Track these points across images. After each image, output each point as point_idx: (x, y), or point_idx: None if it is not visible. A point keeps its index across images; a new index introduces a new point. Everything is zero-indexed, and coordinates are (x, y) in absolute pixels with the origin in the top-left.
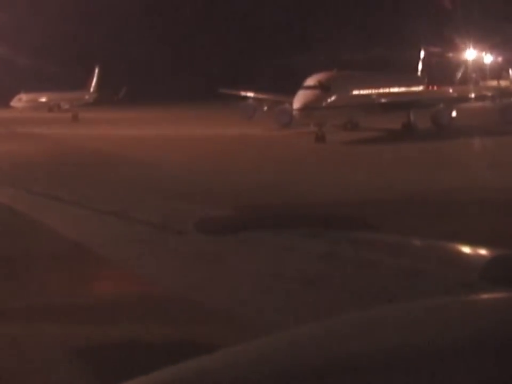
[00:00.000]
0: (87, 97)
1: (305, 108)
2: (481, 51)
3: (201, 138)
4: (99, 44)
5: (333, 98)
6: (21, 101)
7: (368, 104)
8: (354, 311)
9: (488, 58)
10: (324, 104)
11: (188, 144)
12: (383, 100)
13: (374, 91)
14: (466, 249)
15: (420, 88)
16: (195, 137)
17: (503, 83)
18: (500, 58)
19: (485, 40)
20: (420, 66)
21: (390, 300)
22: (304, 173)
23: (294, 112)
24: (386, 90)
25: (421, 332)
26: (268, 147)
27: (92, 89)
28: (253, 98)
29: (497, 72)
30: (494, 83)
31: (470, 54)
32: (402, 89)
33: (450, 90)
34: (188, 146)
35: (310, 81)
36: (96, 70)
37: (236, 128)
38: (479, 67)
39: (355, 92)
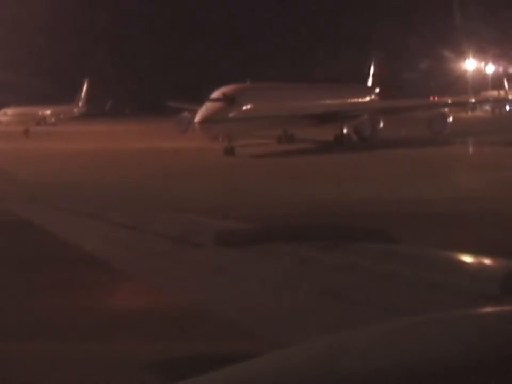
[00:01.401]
0: (75, 110)
1: (205, 121)
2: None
3: (119, 152)
4: (85, 58)
5: (237, 111)
6: (6, 114)
7: (277, 116)
8: (372, 324)
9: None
10: (226, 117)
11: (96, 157)
12: (296, 112)
13: (289, 103)
14: (486, 261)
15: (366, 99)
16: (117, 150)
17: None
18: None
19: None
20: (371, 77)
21: (408, 312)
22: (173, 185)
23: (196, 126)
24: (309, 102)
25: (438, 346)
26: (172, 160)
27: (80, 103)
28: (189, 110)
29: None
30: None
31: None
32: (335, 100)
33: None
34: (93, 159)
35: (216, 93)
36: (85, 84)
37: (167, 142)
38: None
39: (264, 104)
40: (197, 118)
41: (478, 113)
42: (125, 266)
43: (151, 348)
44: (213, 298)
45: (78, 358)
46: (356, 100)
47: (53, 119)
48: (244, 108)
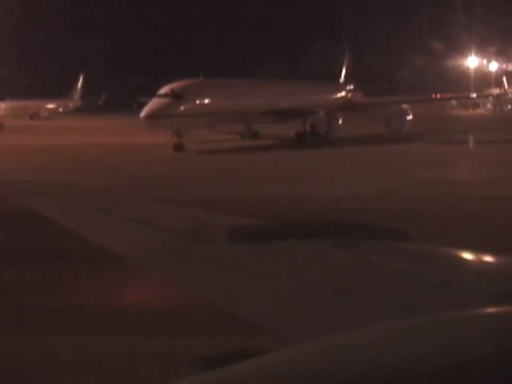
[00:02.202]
0: (71, 104)
1: (150, 116)
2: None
3: (81, 147)
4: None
5: (184, 106)
6: None
7: (226, 113)
8: (383, 322)
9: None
10: (172, 112)
11: (55, 151)
12: (247, 108)
13: (242, 99)
14: (499, 259)
15: (334, 95)
16: (80, 145)
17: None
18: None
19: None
20: (344, 72)
21: (420, 311)
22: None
23: (140, 121)
24: (264, 98)
25: (451, 346)
26: (113, 154)
27: (76, 97)
28: None
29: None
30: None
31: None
32: (295, 97)
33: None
34: (48, 153)
35: (164, 89)
36: (81, 78)
37: (133, 136)
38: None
39: (213, 101)
40: (142, 113)
41: (480, 111)
42: (137, 261)
43: (163, 343)
44: (225, 294)
45: (96, 353)
46: (321, 97)
47: (47, 114)
48: (192, 103)
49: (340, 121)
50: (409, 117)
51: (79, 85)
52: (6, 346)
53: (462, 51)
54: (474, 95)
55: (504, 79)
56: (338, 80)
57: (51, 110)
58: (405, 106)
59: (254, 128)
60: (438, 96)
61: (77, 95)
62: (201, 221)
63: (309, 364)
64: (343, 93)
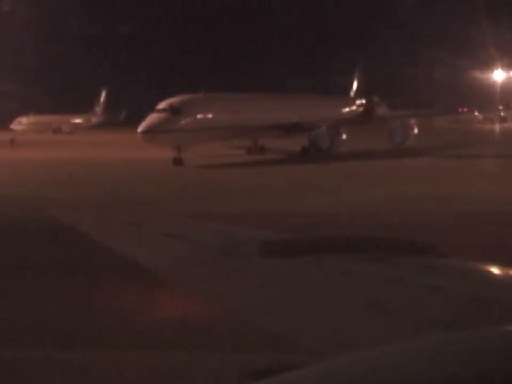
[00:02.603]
0: (93, 119)
1: (148, 131)
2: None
3: (80, 161)
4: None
5: (182, 121)
6: (21, 123)
7: (228, 127)
8: (417, 338)
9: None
10: (170, 127)
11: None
12: (248, 123)
13: (244, 114)
14: None
15: (343, 110)
16: (80, 160)
17: None
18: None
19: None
20: (355, 87)
21: (454, 327)
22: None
23: (138, 136)
24: (267, 113)
25: (486, 361)
26: (115, 168)
27: (98, 112)
28: None
29: None
30: None
31: None
32: (301, 112)
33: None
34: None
35: (162, 104)
36: (103, 93)
37: (136, 151)
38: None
39: (214, 115)
40: (139, 129)
41: (507, 125)
42: (170, 276)
43: (196, 358)
44: (258, 308)
45: (131, 367)
46: (327, 111)
47: (69, 128)
48: (190, 118)
49: (344, 136)
50: (414, 131)
51: (102, 100)
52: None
53: (490, 64)
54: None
55: None
56: (350, 94)
57: (73, 125)
58: (409, 120)
59: (260, 143)
60: (465, 110)
61: (99, 110)
62: (232, 235)
63: (343, 378)
64: (353, 107)
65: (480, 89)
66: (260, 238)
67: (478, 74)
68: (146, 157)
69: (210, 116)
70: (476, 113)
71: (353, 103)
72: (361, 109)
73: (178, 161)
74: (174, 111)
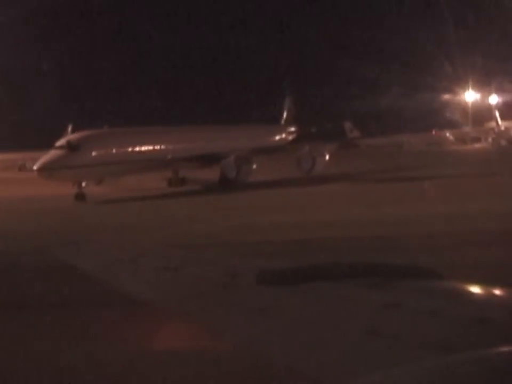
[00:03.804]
0: None
1: (43, 169)
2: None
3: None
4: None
5: (79, 157)
6: None
7: (128, 161)
8: (421, 362)
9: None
10: (67, 164)
11: None
12: (148, 157)
13: (145, 148)
14: None
15: (270, 138)
16: None
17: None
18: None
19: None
20: (285, 115)
21: (458, 349)
22: None
23: (35, 173)
24: (172, 145)
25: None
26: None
27: None
28: None
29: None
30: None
31: None
32: (211, 143)
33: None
34: None
35: (61, 141)
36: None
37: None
38: None
39: (114, 150)
40: (36, 166)
41: (478, 145)
42: (168, 308)
43: None
44: (257, 339)
45: None
46: (247, 141)
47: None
48: (88, 154)
49: (254, 166)
50: (323, 158)
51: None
52: None
53: (461, 85)
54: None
55: (497, 112)
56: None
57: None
58: (322, 146)
59: (183, 175)
60: (434, 132)
61: None
62: (228, 266)
63: None
64: (282, 135)
65: (452, 111)
66: (257, 268)
67: (450, 96)
68: (55, 193)
69: (108, 151)
70: (447, 134)
71: (283, 131)
72: (291, 136)
73: (80, 197)
74: (71, 147)
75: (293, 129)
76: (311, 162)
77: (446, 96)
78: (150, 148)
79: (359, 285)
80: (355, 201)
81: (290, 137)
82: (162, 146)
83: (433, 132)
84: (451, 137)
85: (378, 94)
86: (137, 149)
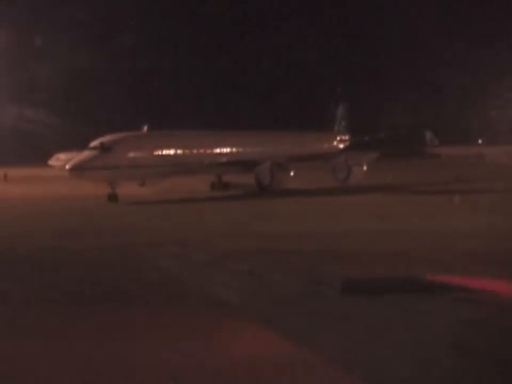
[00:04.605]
0: None
1: (74, 168)
2: None
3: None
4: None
5: (111, 159)
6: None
7: (161, 165)
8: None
9: None
10: (98, 164)
11: None
12: (179, 161)
13: (180, 151)
14: None
15: (321, 146)
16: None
17: None
18: None
19: None
20: (338, 122)
21: None
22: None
23: (66, 173)
24: (207, 150)
25: None
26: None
27: None
28: None
29: None
30: None
31: None
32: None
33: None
34: None
35: (94, 142)
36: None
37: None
38: None
39: (148, 153)
40: (67, 166)
41: None
42: (254, 315)
43: None
44: (340, 348)
45: None
46: (288, 147)
47: None
48: (120, 156)
49: (291, 173)
50: (361, 168)
51: None
52: None
53: None
54: None
55: None
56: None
57: None
58: (351, 157)
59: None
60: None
61: None
62: (311, 273)
63: None
64: (329, 143)
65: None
66: (341, 277)
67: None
68: (91, 193)
69: (139, 153)
70: None
71: (334, 139)
72: (343, 144)
73: (112, 197)
74: (104, 148)
75: (345, 137)
76: (347, 171)
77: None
78: (181, 152)
79: (441, 299)
80: (367, 212)
81: (341, 145)
82: (196, 151)
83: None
84: None
85: (461, 103)
86: (167, 152)
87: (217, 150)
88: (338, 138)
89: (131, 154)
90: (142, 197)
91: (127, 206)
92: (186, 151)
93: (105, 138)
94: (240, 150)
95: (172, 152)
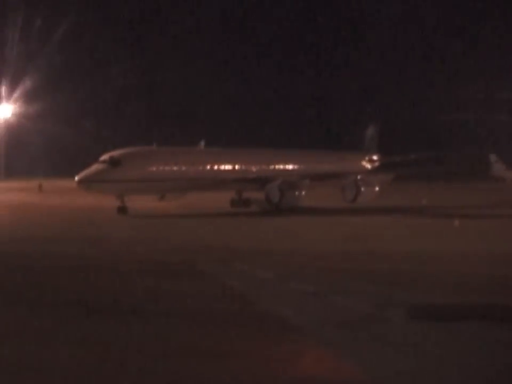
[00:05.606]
0: None
1: (83, 181)
2: None
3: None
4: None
5: (120, 173)
6: None
7: (168, 180)
8: None
9: None
10: (106, 178)
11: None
12: (187, 177)
13: (184, 168)
14: None
15: (347, 165)
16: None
17: None
18: None
19: None
20: (367, 141)
21: None
22: None
23: (76, 184)
24: (211, 167)
25: None
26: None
27: None
28: None
29: None
30: None
31: None
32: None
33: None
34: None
35: (104, 156)
36: None
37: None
38: None
39: (155, 168)
40: (76, 178)
41: None
42: (316, 335)
43: None
44: (407, 376)
45: None
46: (303, 166)
47: None
48: (128, 170)
49: (303, 192)
50: (372, 188)
51: None
52: None
53: None
54: None
55: None
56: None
57: None
58: (361, 177)
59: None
60: None
61: None
62: (375, 297)
63: None
64: (354, 163)
65: None
66: (406, 302)
67: None
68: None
69: (146, 168)
70: None
71: (360, 159)
72: (371, 164)
73: (122, 210)
74: (113, 162)
75: (374, 157)
76: (355, 192)
77: None
78: (185, 168)
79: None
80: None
81: (369, 165)
82: (203, 168)
83: None
84: None
85: None
86: (172, 168)
87: (227, 167)
88: (366, 158)
89: (138, 169)
90: (154, 210)
91: (132, 219)
92: (193, 167)
93: (115, 152)
94: (256, 167)
95: (175, 168)
